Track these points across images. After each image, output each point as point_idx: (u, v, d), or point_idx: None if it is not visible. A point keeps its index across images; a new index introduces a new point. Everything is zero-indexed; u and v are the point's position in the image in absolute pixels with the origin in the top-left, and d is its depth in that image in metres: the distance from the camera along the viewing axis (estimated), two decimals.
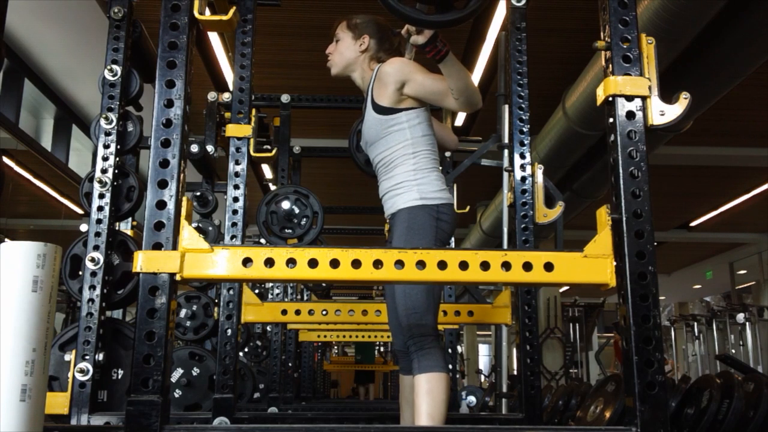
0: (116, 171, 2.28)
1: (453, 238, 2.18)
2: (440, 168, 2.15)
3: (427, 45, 1.87)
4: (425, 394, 1.84)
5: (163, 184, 1.27)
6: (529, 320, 2.34)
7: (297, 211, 2.96)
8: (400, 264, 1.29)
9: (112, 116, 2.29)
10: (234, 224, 2.38)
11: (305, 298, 5.14)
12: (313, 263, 1.27)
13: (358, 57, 2.17)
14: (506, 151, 3.11)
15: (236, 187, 2.41)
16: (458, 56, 5.96)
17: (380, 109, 2.05)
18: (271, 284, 5.07)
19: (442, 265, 1.29)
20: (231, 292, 2.32)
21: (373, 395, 10.90)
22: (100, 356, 2.14)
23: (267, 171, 7.69)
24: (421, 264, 1.29)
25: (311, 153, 4.38)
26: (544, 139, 5.61)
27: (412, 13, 1.23)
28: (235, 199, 2.40)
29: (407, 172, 2.02)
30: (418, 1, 1.39)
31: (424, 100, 2.06)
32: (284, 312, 2.65)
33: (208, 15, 1.41)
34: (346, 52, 2.18)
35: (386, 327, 3.95)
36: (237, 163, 2.44)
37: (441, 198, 2.01)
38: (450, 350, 4.00)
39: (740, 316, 9.15)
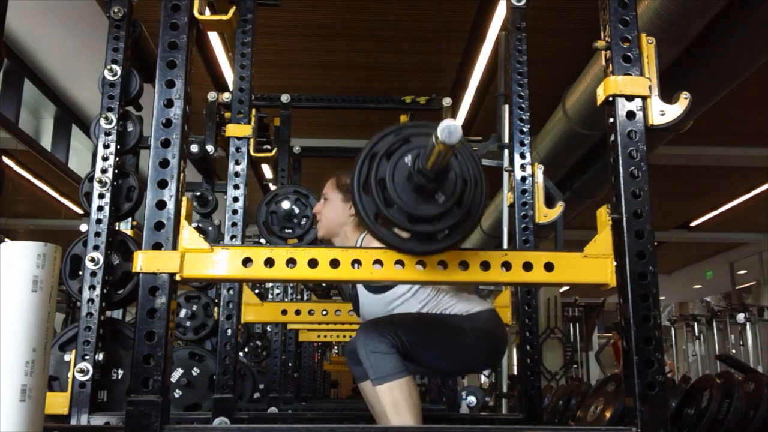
0: (116, 171, 2.28)
1: None
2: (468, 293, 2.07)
3: None
4: (392, 407, 1.76)
5: (163, 184, 1.27)
6: (529, 320, 2.34)
7: (297, 211, 2.96)
8: (400, 264, 1.29)
9: (112, 116, 2.29)
10: (234, 224, 2.38)
11: (305, 298, 5.13)
12: (313, 263, 1.27)
13: (345, 221, 2.08)
14: (506, 151, 3.10)
15: (236, 187, 2.41)
16: (458, 56, 5.96)
17: (375, 289, 1.97)
18: (271, 284, 5.07)
19: (442, 264, 1.29)
20: (231, 292, 2.32)
21: None
22: (100, 356, 2.14)
23: (267, 171, 7.69)
24: (421, 264, 1.29)
25: (311, 153, 4.39)
26: (544, 139, 5.61)
27: (390, 239, 1.24)
28: (235, 199, 2.40)
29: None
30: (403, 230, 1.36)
31: None
32: (284, 312, 2.65)
33: (208, 15, 1.40)
34: (334, 215, 2.09)
35: None
36: (237, 163, 2.44)
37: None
38: None
39: (740, 316, 9.15)
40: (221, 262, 1.26)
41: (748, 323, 9.54)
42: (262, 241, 3.65)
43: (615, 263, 1.29)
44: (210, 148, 3.15)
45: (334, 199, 2.11)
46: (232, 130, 2.46)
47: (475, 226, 1.25)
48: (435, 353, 1.90)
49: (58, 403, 2.08)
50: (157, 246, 1.24)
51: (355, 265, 1.28)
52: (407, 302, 1.96)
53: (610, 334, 11.46)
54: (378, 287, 1.96)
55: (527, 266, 1.30)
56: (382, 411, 1.84)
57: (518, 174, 2.38)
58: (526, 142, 2.40)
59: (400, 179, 1.19)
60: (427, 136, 1.18)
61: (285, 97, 3.69)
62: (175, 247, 1.25)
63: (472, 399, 3.92)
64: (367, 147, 1.22)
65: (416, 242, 1.22)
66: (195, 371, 2.79)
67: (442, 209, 1.18)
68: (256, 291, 2.80)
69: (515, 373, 5.05)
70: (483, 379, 10.56)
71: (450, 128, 1.02)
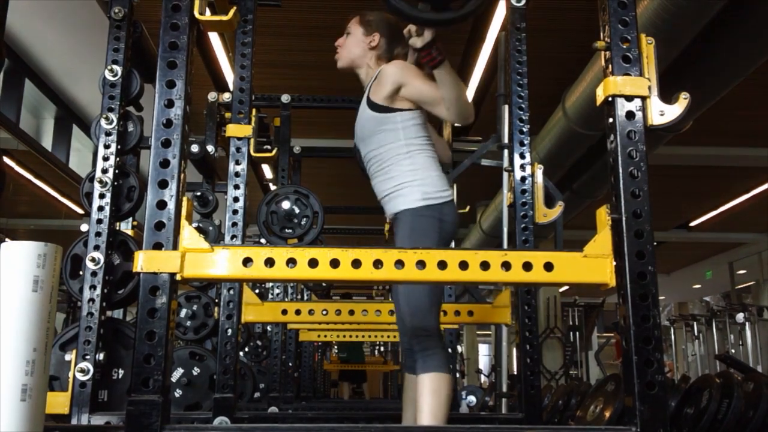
0: (117, 171, 2.28)
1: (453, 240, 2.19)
2: (440, 168, 2.14)
3: (423, 50, 1.87)
4: (429, 393, 1.86)
5: (163, 184, 1.28)
6: (529, 320, 2.34)
7: (297, 211, 2.96)
8: (400, 264, 1.29)
9: (113, 116, 2.29)
10: (234, 224, 2.39)
11: (305, 298, 5.14)
12: (313, 263, 1.28)
13: (365, 53, 2.15)
14: (506, 151, 3.11)
15: (236, 187, 2.42)
16: (458, 56, 5.96)
17: (375, 107, 2.04)
18: (271, 284, 5.07)
19: (442, 265, 1.29)
20: (231, 291, 2.32)
21: (368, 395, 10.88)
22: (101, 356, 2.15)
23: (267, 171, 7.69)
24: (421, 264, 1.29)
25: (311, 153, 4.39)
26: (544, 139, 5.61)
27: (406, 9, 1.22)
28: (236, 199, 2.41)
29: (406, 173, 2.01)
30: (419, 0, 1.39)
31: (418, 104, 2.05)
32: (284, 312, 2.65)
33: (208, 15, 1.41)
34: (354, 46, 2.16)
35: (386, 326, 3.96)
36: (237, 163, 2.44)
37: (443, 197, 2.00)
38: (450, 350, 4.00)
39: (740, 316, 9.15)
40: (221, 262, 1.27)
41: (747, 323, 9.54)
42: (263, 241, 3.65)
43: (614, 263, 1.29)
44: (210, 148, 3.15)
45: (356, 32, 2.16)
46: (232, 130, 2.47)
47: None
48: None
49: (58, 402, 2.08)
50: (158, 246, 1.24)
51: (356, 266, 1.28)
52: (394, 131, 2.02)
53: (611, 334, 11.47)
54: (378, 106, 2.02)
55: (527, 266, 1.30)
56: (416, 398, 1.93)
57: (518, 174, 2.39)
58: (525, 142, 2.41)
59: None
60: None
61: (285, 97, 3.70)
62: (175, 247, 1.25)
63: (471, 398, 3.92)
64: None
65: (433, 12, 1.21)
66: (195, 371, 2.80)
67: None
68: (257, 291, 2.80)
69: (515, 372, 5.05)
70: (483, 378, 10.57)
71: None
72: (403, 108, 2.03)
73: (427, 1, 1.23)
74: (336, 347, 11.58)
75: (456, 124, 2.83)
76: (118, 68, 2.31)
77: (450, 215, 2.01)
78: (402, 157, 2.02)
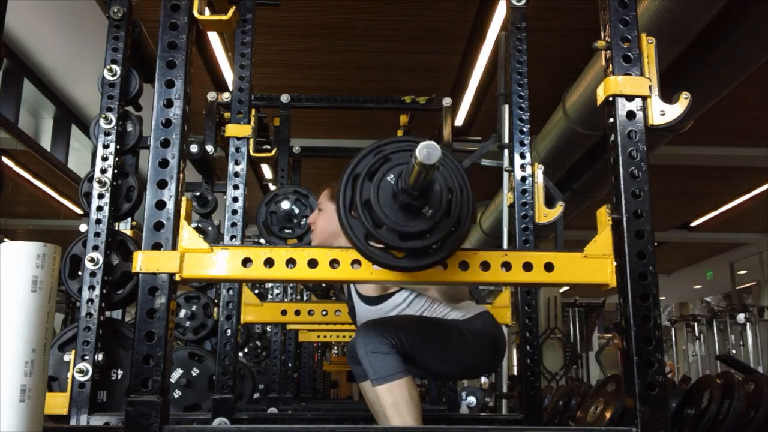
0: (116, 171, 2.27)
1: None
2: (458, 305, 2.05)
3: None
4: (391, 407, 1.76)
5: (162, 184, 1.27)
6: (529, 320, 2.33)
7: (297, 211, 2.96)
8: None
9: (112, 116, 2.29)
10: (233, 224, 2.38)
11: (305, 298, 5.13)
12: (312, 263, 1.27)
13: (340, 231, 2.08)
14: (506, 151, 3.11)
15: (236, 187, 2.41)
16: (458, 56, 5.94)
17: (370, 301, 1.97)
18: (270, 284, 5.07)
19: (442, 265, 1.29)
20: (231, 292, 2.32)
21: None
22: (100, 356, 2.14)
23: (267, 171, 7.69)
24: None
25: (311, 153, 4.38)
26: (544, 139, 5.61)
27: (382, 259, 1.23)
28: (235, 199, 2.40)
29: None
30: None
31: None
32: (284, 312, 2.65)
33: (207, 15, 1.40)
34: (328, 225, 2.08)
35: None
36: (236, 163, 2.44)
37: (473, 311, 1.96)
38: None
39: (741, 317, 9.15)
40: (221, 263, 1.26)
41: (748, 323, 9.54)
42: (262, 241, 3.65)
43: (615, 263, 1.29)
44: (210, 148, 3.15)
45: (328, 209, 2.10)
46: (231, 130, 2.46)
47: (466, 235, 1.24)
48: (436, 355, 1.90)
49: (57, 403, 2.08)
50: (157, 246, 1.24)
51: (355, 266, 1.28)
52: (404, 312, 1.97)
53: (611, 335, 11.46)
54: (372, 299, 1.96)
55: (527, 266, 1.29)
56: (382, 411, 1.84)
57: (518, 174, 2.38)
58: (526, 142, 2.40)
59: (385, 198, 1.18)
60: (406, 151, 1.17)
61: (285, 97, 3.69)
62: (174, 248, 1.25)
63: (472, 399, 3.92)
64: (348, 169, 1.21)
65: (409, 259, 1.22)
66: (194, 371, 2.79)
67: (431, 223, 1.17)
68: (256, 291, 2.80)
69: (515, 373, 5.05)
70: (483, 379, 10.56)
71: (429, 149, 1.01)
72: (397, 289, 1.95)
73: (406, 255, 1.23)
74: (343, 348, 11.58)
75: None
76: (117, 68, 2.30)
77: (487, 326, 1.95)
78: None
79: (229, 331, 2.28)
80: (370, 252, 1.21)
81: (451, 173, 1.21)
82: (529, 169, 2.37)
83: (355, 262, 1.28)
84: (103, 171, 2.25)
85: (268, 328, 4.81)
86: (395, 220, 1.16)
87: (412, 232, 1.17)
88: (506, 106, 2.67)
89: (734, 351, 9.97)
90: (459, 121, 6.39)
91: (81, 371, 2.08)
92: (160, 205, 1.26)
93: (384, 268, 1.22)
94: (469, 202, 1.21)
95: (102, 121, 2.28)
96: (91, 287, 2.16)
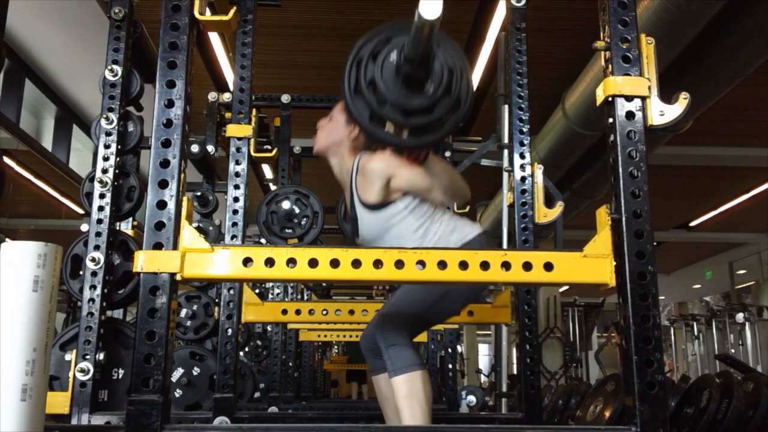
0: (117, 171, 2.28)
1: None
2: (455, 216, 2.08)
3: (406, 149, 1.83)
4: (405, 398, 1.80)
5: (163, 184, 1.28)
6: (529, 320, 2.34)
7: (297, 211, 2.96)
8: (400, 264, 1.29)
9: (113, 116, 2.29)
10: (234, 224, 2.39)
11: (305, 298, 5.14)
12: (313, 263, 1.28)
13: (343, 141, 2.08)
14: (506, 151, 3.11)
15: (236, 187, 2.42)
16: None
17: (372, 207, 1.97)
18: (271, 284, 5.07)
19: (442, 264, 1.29)
20: (231, 291, 2.33)
21: (367, 395, 10.91)
22: (101, 356, 2.15)
23: (267, 171, 7.69)
24: (421, 264, 1.29)
25: (311, 153, 4.37)
26: (544, 139, 5.61)
27: (387, 137, 1.24)
28: (236, 199, 2.41)
29: (433, 241, 1.97)
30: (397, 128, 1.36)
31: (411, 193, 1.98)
32: (284, 312, 2.65)
33: (208, 15, 1.41)
34: (335, 132, 2.09)
35: None
36: (237, 163, 2.44)
37: (474, 231, 1.99)
38: (450, 350, 4.00)
39: (740, 316, 9.15)
40: (222, 262, 1.27)
41: (747, 323, 9.55)
42: (263, 241, 3.66)
43: (614, 263, 1.29)
44: (210, 148, 3.15)
45: (338, 118, 2.10)
46: (232, 130, 2.47)
47: (467, 115, 1.26)
48: (442, 313, 2.09)
49: (58, 402, 2.08)
50: (158, 246, 1.24)
51: (355, 265, 1.28)
52: (405, 219, 1.96)
53: (611, 335, 11.47)
54: (375, 205, 1.96)
55: (527, 266, 1.30)
56: (394, 404, 1.89)
57: (518, 174, 2.39)
58: (525, 142, 2.41)
59: (389, 76, 1.20)
60: (405, 31, 1.21)
61: (285, 97, 3.70)
62: (175, 247, 1.25)
63: (471, 398, 3.93)
64: (352, 54, 1.23)
65: (413, 137, 1.24)
66: (195, 371, 2.80)
67: (433, 99, 1.20)
68: (257, 291, 2.80)
69: (515, 372, 5.05)
70: (483, 378, 10.57)
71: (431, 3, 1.06)
72: (400, 196, 1.96)
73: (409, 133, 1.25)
74: (344, 347, 11.62)
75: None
76: (118, 68, 2.31)
77: (485, 245, 1.98)
78: (420, 233, 1.96)
79: (229, 331, 2.29)
80: (375, 131, 1.22)
81: (450, 54, 1.24)
82: (528, 169, 2.37)
83: (356, 261, 1.28)
84: (105, 171, 2.26)
85: (268, 328, 4.81)
86: (398, 97, 1.18)
87: (415, 108, 1.19)
88: (506, 107, 2.68)
89: (733, 350, 9.98)
90: None
91: (82, 370, 2.09)
92: (161, 205, 1.27)
93: (389, 144, 1.24)
94: (468, 86, 1.24)
95: (103, 122, 2.29)
96: (93, 287, 2.17)
